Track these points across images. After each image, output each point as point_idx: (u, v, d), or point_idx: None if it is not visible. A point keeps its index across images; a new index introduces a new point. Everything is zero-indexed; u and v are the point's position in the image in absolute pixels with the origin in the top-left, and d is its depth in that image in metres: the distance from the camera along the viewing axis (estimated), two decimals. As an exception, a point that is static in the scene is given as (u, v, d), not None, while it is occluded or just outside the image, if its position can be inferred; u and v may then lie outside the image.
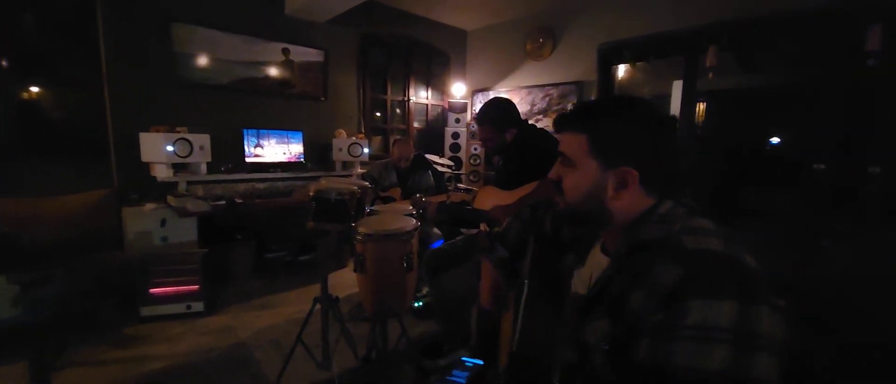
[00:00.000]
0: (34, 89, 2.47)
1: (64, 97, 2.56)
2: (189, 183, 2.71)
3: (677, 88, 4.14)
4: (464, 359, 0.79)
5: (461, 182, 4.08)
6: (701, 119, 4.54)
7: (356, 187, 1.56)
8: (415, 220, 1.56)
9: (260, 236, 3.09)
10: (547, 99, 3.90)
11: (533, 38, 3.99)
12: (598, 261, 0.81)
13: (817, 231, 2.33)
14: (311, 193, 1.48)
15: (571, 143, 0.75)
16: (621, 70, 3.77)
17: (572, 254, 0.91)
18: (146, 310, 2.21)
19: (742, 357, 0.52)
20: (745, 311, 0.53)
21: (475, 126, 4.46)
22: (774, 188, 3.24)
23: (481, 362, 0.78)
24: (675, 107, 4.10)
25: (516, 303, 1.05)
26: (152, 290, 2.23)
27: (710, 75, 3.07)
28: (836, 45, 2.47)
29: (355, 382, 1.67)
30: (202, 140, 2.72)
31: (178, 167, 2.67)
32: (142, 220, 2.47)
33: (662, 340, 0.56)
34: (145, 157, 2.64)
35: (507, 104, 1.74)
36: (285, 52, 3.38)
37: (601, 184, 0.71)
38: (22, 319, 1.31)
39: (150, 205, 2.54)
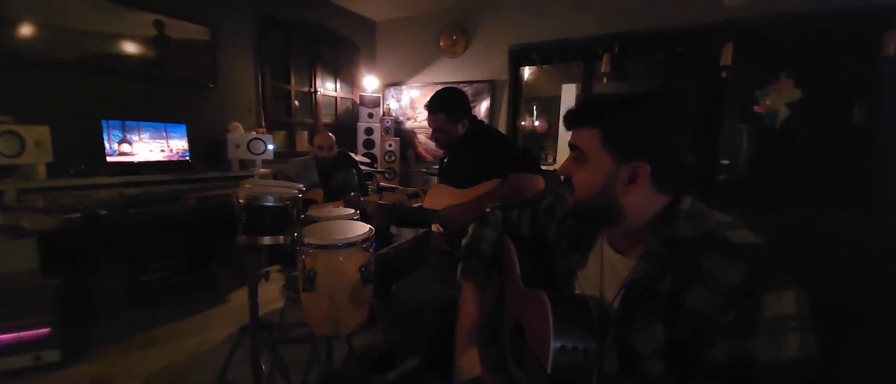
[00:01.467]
0: None
1: None
2: (21, 191, 2.00)
3: (567, 91, 4.62)
4: None
5: (372, 179, 3.88)
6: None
7: (296, 191, 1.32)
8: (367, 225, 1.38)
9: (132, 256, 2.45)
10: (462, 96, 3.95)
11: (447, 34, 3.99)
12: (610, 259, 0.79)
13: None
14: (240, 200, 1.20)
15: (585, 138, 0.73)
16: (527, 71, 4.03)
17: (574, 255, 0.88)
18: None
19: (805, 339, 0.56)
20: (800, 297, 0.57)
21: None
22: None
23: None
24: (565, 107, 4.57)
25: (499, 316, 0.98)
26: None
27: (605, 80, 3.47)
28: (697, 58, 3.01)
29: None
30: (38, 134, 2.05)
31: (2, 171, 1.95)
32: (-59, 247, 1.73)
33: (742, 338, 0.56)
34: (-59, 157, 1.86)
35: (462, 94, 1.68)
36: (158, 25, 2.74)
37: (613, 178, 0.70)
38: None
39: (-47, 225, 1.80)
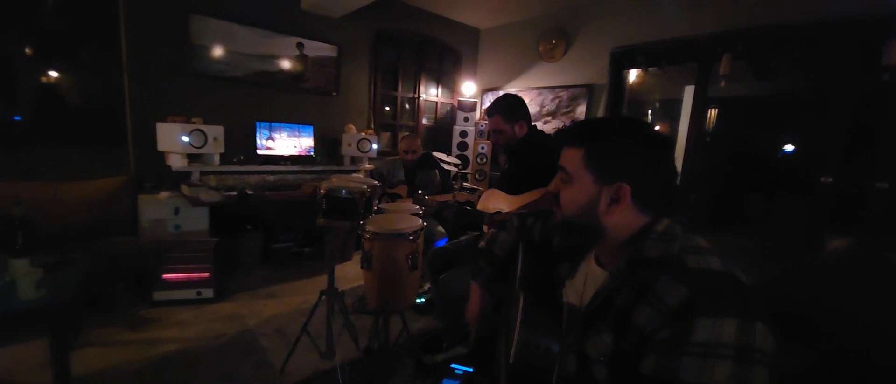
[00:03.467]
0: (54, 74, 2.54)
1: (84, 84, 2.63)
2: (202, 173, 2.77)
3: (689, 93, 4.12)
4: (453, 366, 0.81)
5: (467, 181, 4.11)
6: (711, 125, 4.51)
7: (365, 186, 1.60)
8: (421, 220, 1.59)
9: (268, 227, 3.16)
10: (556, 101, 3.90)
11: (546, 38, 3.98)
12: (592, 272, 0.84)
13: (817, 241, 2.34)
14: (322, 191, 1.53)
15: (569, 158, 0.78)
16: (632, 75, 3.76)
17: (566, 264, 0.93)
18: (159, 295, 2.29)
19: (742, 371, 0.55)
20: (745, 328, 0.56)
21: (486, 120, 4.48)
22: (781, 196, 3.22)
23: (471, 370, 0.80)
24: (686, 112, 4.09)
25: (509, 314, 1.08)
26: (165, 276, 2.30)
27: (722, 83, 3.06)
28: (851, 56, 2.44)
29: (357, 373, 1.72)
30: (216, 131, 2.78)
31: (192, 157, 2.74)
32: (156, 208, 2.54)
33: (670, 356, 0.59)
34: (161, 147, 2.71)
35: (519, 99, 1.77)
36: (300, 46, 3.42)
37: (595, 198, 0.74)
38: (45, 300, 1.37)
39: (164, 194, 2.61)
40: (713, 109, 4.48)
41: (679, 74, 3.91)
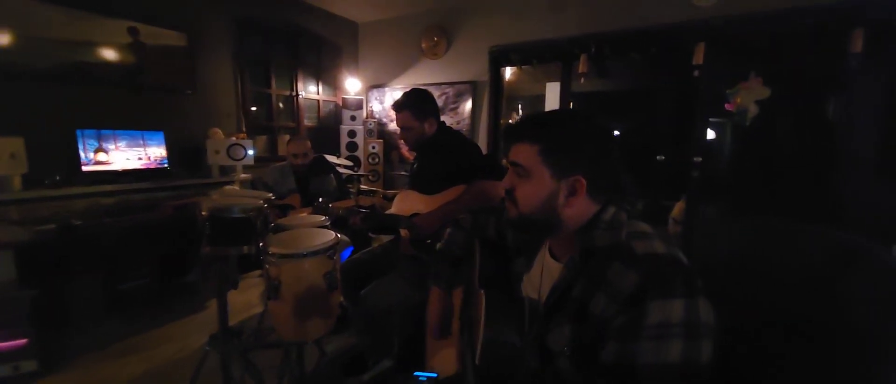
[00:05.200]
0: None
1: None
2: (-7, 203, 2.00)
3: (552, 89, 4.67)
4: (417, 373, 0.73)
5: (362, 183, 3.91)
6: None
7: (261, 201, 1.34)
8: (333, 233, 1.41)
9: (110, 265, 2.46)
10: (443, 97, 3.98)
11: (428, 36, 4.01)
12: (548, 265, 0.84)
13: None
14: (204, 213, 1.22)
15: (524, 153, 0.76)
16: (508, 72, 4.07)
17: (522, 259, 0.93)
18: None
19: (691, 346, 0.59)
20: (690, 306, 0.61)
21: (375, 118, 4.32)
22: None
23: (435, 376, 0.74)
24: (550, 106, 4.62)
25: (467, 314, 1.03)
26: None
27: (582, 80, 3.51)
28: (670, 58, 3.07)
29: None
30: (13, 145, 2.05)
31: (-28, 183, 1.95)
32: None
33: (627, 341, 0.61)
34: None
35: (428, 94, 1.72)
36: (133, 32, 2.73)
37: (554, 192, 0.74)
38: None
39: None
40: (572, 103, 5.18)
41: (545, 72, 4.40)
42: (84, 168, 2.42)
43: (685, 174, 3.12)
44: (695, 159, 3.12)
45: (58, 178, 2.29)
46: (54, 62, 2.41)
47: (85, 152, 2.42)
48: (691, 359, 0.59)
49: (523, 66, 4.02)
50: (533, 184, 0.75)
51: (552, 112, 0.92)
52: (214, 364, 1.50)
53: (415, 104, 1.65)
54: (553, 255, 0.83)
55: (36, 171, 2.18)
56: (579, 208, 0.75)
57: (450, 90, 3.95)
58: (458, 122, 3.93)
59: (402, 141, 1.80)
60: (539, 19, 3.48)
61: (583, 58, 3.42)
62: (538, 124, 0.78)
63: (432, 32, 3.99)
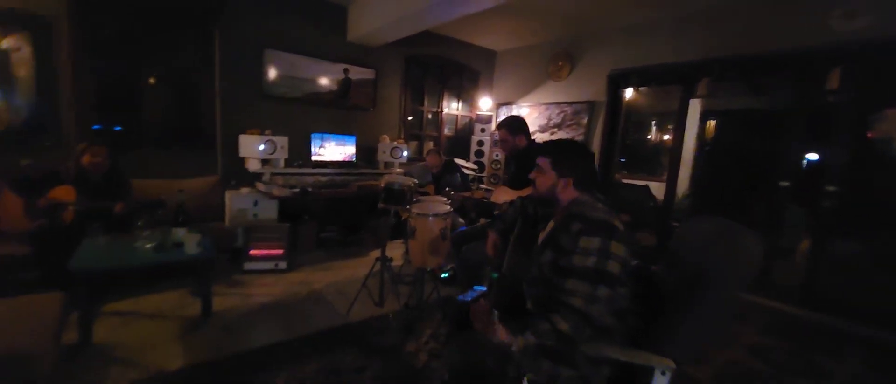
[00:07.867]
0: (168, 98, 3.32)
1: (190, 104, 3.40)
2: (272, 174, 3.49)
3: (694, 106, 4.58)
4: (476, 288, 1.43)
5: (483, 183, 4.74)
6: (710, 135, 5.04)
7: (412, 182, 2.26)
8: (449, 206, 2.23)
9: (320, 219, 3.86)
10: (562, 115, 4.50)
11: (554, 61, 4.60)
12: (550, 226, 1.47)
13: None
14: (382, 184, 2.19)
15: (542, 161, 1.42)
16: (628, 92, 4.33)
17: (542, 224, 1.56)
18: (247, 265, 3.00)
19: (602, 261, 1.16)
20: (605, 242, 1.17)
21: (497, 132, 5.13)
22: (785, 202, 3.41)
23: (484, 288, 1.42)
24: (693, 122, 4.63)
25: (504, 249, 1.72)
26: (251, 251, 3.01)
27: (700, 101, 3.59)
28: (800, 82, 2.97)
29: (401, 319, 2.36)
30: (282, 141, 3.51)
31: (264, 162, 3.47)
32: (240, 201, 3.26)
33: (569, 256, 1.21)
34: (242, 153, 3.45)
35: (521, 119, 2.42)
36: (346, 71, 4.15)
37: (555, 184, 1.37)
38: (203, 254, 2.07)
39: (245, 190, 3.34)
40: (712, 121, 5.01)
41: (667, 93, 4.46)
42: (313, 157, 3.86)
43: (814, 204, 2.96)
44: (827, 189, 2.94)
45: (300, 162, 3.76)
46: (304, 91, 3.93)
47: (314, 147, 3.87)
48: (600, 267, 1.16)
49: (641, 88, 4.25)
50: (545, 178, 1.40)
51: (561, 141, 1.52)
52: (373, 283, 2.48)
53: (509, 125, 2.36)
54: (554, 221, 1.46)
55: (291, 157, 3.66)
56: (569, 194, 1.36)
57: (568, 108, 4.45)
58: (580, 136, 4.32)
59: (501, 149, 2.52)
60: (659, 45, 3.71)
61: (704, 81, 3.52)
62: (552, 146, 1.42)
63: (559, 57, 4.56)
